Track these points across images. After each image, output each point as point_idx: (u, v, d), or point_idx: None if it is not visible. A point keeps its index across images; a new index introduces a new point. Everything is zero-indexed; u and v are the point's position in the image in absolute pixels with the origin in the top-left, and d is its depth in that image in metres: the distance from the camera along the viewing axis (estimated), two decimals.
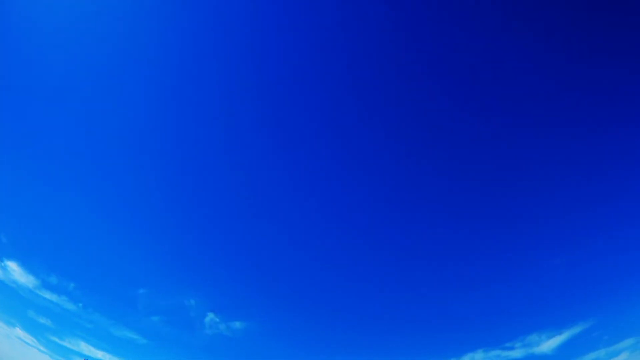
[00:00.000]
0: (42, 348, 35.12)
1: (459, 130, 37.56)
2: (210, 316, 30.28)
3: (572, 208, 36.83)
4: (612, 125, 36.33)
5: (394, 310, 36.12)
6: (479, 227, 38.08)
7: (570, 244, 36.77)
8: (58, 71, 33.65)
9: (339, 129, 37.83)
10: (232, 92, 36.54)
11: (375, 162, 38.88)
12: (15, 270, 33.20)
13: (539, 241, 37.44)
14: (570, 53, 35.33)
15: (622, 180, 35.62)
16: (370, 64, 36.64)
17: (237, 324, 30.61)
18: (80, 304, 31.53)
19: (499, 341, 33.00)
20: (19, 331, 34.74)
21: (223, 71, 35.80)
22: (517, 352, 33.33)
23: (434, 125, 37.62)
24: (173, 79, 34.88)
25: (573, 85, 36.10)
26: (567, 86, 36.25)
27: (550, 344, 31.32)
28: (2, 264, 32.84)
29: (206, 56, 35.19)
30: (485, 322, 35.30)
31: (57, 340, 34.53)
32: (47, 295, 32.21)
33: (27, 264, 32.41)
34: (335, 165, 38.91)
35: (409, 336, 35.06)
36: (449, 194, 39.18)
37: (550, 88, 36.32)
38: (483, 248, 37.49)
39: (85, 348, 34.51)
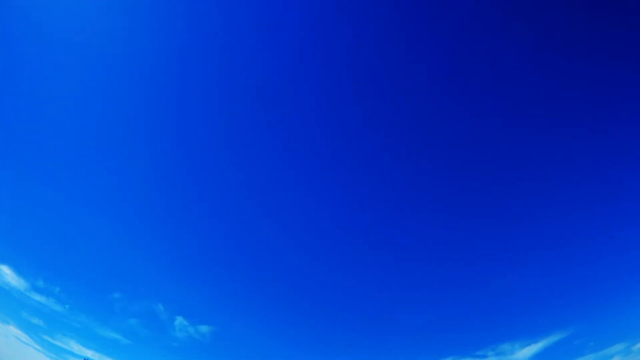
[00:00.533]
0: (36, 346, 36.84)
1: (459, 130, 37.16)
2: (179, 320, 31.29)
3: (552, 214, 35.92)
4: (601, 125, 35.48)
5: (364, 315, 36.34)
6: (453, 234, 37.47)
7: (546, 252, 35.93)
8: (53, 71, 34.08)
9: (339, 128, 37.63)
10: (230, 92, 36.23)
11: (370, 161, 38.55)
12: (7, 274, 34.73)
13: (515, 249, 36.78)
14: (570, 54, 34.73)
15: (602, 186, 34.68)
16: (371, 65, 36.25)
17: (204, 328, 31.54)
18: (67, 306, 32.95)
19: (469, 349, 32.51)
20: (13, 329, 36.50)
21: (224, 72, 35.65)
22: None
23: (434, 125, 37.28)
24: (172, 79, 34.99)
25: (573, 86, 35.48)
26: (567, 87, 35.67)
27: (525, 352, 30.61)
28: None
29: (206, 56, 35.05)
30: (456, 330, 35.10)
31: (49, 339, 36.11)
32: (37, 297, 33.71)
33: (18, 268, 33.97)
34: (318, 164, 38.85)
35: (379, 341, 35.05)
36: (424, 197, 38.81)
37: (550, 89, 35.82)
38: (456, 255, 36.93)
39: (76, 347, 35.95)
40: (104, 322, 32.60)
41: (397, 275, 37.56)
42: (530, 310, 33.63)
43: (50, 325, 34.98)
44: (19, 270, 33.87)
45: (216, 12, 34.05)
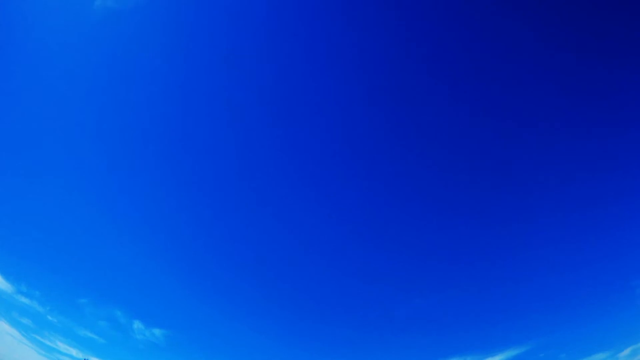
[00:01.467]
0: (28, 343, 39.35)
1: (460, 131, 36.96)
2: (137, 323, 32.98)
3: (525, 218, 34.76)
4: (601, 125, 34.71)
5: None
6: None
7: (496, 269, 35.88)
8: (51, 71, 34.85)
9: (339, 127, 37.60)
10: (230, 92, 36.32)
11: (370, 159, 38.34)
12: None
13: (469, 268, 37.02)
14: (571, 54, 33.84)
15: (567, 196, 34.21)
16: (372, 65, 35.98)
17: (157, 331, 33.06)
18: (48, 308, 35.03)
19: None
20: (7, 328, 39.09)
21: (225, 72, 35.67)
22: None
23: (435, 126, 37.05)
24: (172, 79, 35.30)
25: (573, 86, 34.69)
26: (567, 87, 34.88)
27: None
28: None
29: (210, 57, 35.15)
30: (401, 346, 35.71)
31: (38, 337, 38.43)
32: (23, 299, 36.02)
33: (5, 272, 36.31)
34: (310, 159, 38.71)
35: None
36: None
37: (551, 89, 35.12)
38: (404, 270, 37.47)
39: (62, 346, 38.09)
40: (80, 324, 34.76)
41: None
42: (486, 323, 33.02)
43: (37, 324, 37.29)
44: (6, 274, 36.27)
45: (220, 11, 34.09)
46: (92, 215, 34.89)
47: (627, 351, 30.78)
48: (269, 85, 35.70)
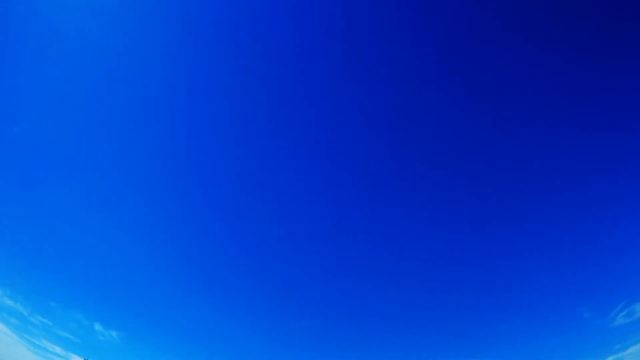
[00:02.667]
0: (19, 340, 42.10)
1: (460, 132, 36.62)
2: (97, 325, 34.71)
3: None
4: (599, 125, 33.99)
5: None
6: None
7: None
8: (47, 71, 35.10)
9: (339, 128, 37.73)
10: (230, 93, 36.36)
11: (370, 161, 38.46)
12: None
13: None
14: (569, 56, 33.05)
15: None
16: (371, 66, 35.66)
17: (114, 334, 34.73)
18: (29, 309, 37.27)
19: None
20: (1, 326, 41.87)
21: (225, 72, 35.57)
22: None
23: (435, 126, 36.80)
24: (171, 79, 35.52)
25: (576, 86, 33.77)
26: (568, 88, 34.06)
27: None
28: None
29: (209, 58, 35.04)
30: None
31: (27, 336, 41.01)
32: (8, 301, 38.44)
33: None
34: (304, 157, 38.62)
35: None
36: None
37: (551, 90, 34.44)
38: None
39: (48, 344, 40.48)
40: (56, 324, 36.87)
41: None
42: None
43: (23, 324, 39.83)
44: None
45: (218, 12, 33.92)
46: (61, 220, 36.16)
47: None
48: (269, 85, 35.83)
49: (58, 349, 39.81)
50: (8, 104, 35.23)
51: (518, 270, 37.98)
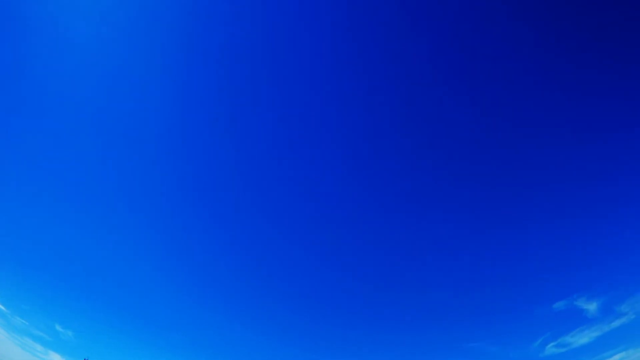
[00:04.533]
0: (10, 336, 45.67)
1: (460, 132, 37.06)
2: (57, 326, 36.86)
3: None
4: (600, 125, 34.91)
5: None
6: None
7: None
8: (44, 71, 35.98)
9: (338, 128, 38.28)
10: (229, 93, 36.82)
11: (370, 161, 38.91)
12: None
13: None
14: (570, 57, 33.37)
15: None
16: (372, 66, 36.30)
17: (69, 333, 36.77)
18: (9, 310, 40.42)
19: None
20: None
21: (226, 73, 36.17)
22: None
23: (435, 126, 37.28)
24: (171, 79, 36.07)
25: (576, 87, 34.27)
26: (568, 88, 34.50)
27: None
28: None
29: (207, 57, 35.73)
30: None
31: (14, 334, 44.42)
32: None
33: None
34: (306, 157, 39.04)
35: None
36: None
37: (551, 91, 34.84)
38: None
39: (30, 342, 43.65)
40: (31, 324, 39.71)
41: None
42: None
43: (7, 323, 43.26)
44: None
45: (220, 13, 34.63)
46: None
47: None
48: (269, 85, 36.54)
49: (38, 347, 42.84)
50: (8, 104, 37.06)
51: (518, 270, 38.40)
